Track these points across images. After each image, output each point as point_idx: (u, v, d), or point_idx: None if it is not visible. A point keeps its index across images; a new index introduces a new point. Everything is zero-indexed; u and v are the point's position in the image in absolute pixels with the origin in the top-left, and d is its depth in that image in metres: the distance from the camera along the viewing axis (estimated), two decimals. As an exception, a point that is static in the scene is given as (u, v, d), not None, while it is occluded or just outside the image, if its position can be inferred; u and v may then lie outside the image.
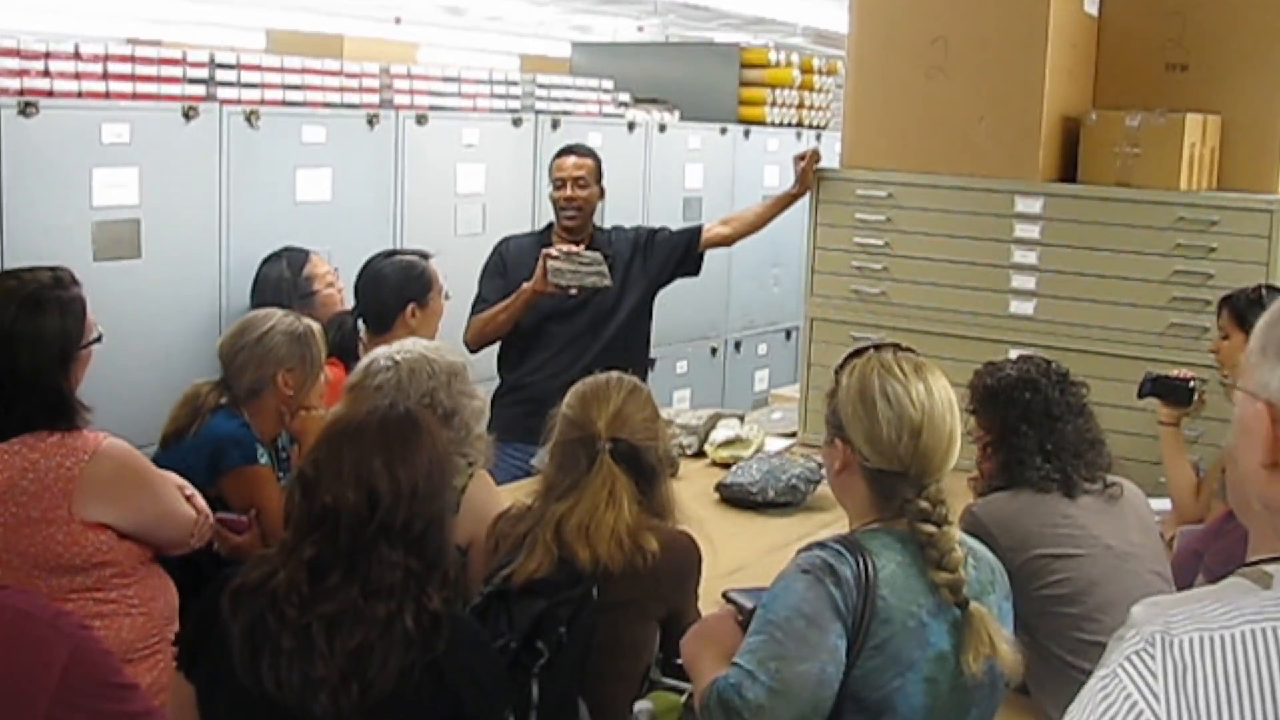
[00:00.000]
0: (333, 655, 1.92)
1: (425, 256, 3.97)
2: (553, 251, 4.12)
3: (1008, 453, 2.78)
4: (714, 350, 6.57)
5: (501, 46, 11.30)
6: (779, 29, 10.05)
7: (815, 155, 4.54)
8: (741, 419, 4.47)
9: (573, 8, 9.96)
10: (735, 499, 3.77)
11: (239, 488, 3.04)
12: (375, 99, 4.78)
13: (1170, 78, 4.22)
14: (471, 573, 2.57)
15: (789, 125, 6.76)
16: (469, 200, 5.12)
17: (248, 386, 3.12)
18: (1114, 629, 1.12)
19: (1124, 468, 2.98)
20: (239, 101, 4.29)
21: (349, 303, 4.07)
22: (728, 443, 4.21)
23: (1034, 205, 4.13)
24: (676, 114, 6.33)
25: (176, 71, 4.16)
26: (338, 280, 4.21)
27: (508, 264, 4.35)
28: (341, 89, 4.67)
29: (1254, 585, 1.50)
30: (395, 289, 3.84)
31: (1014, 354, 3.48)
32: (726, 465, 4.04)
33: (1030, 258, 4.15)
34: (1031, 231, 4.14)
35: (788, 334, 6.90)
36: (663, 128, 6.06)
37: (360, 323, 3.89)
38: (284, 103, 4.45)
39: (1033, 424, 2.77)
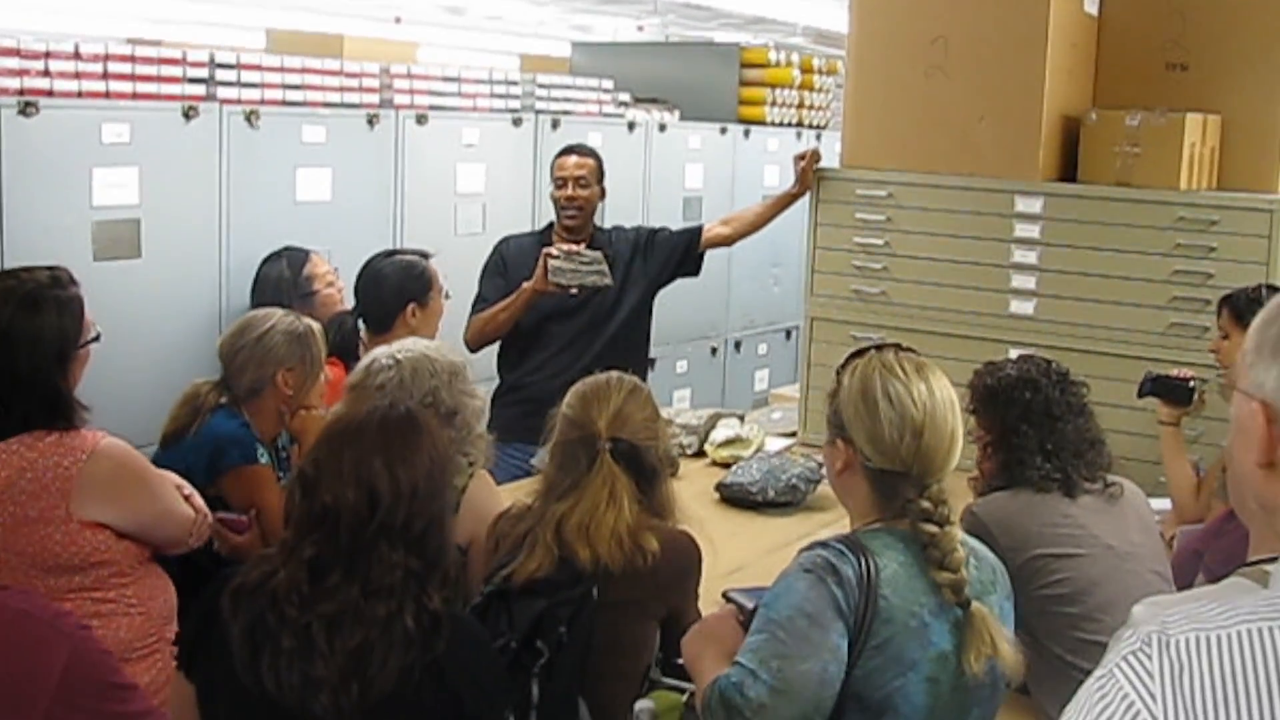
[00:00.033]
0: (333, 655, 1.92)
1: (425, 256, 3.97)
2: (553, 251, 4.12)
3: (1008, 452, 2.78)
4: (714, 350, 6.57)
5: (501, 46, 11.30)
6: (779, 29, 10.05)
7: (815, 155, 4.54)
8: (741, 419, 4.47)
9: (573, 7, 9.95)
10: (735, 499, 3.77)
11: (239, 487, 3.04)
12: (375, 99, 4.78)
13: (1170, 77, 4.22)
14: (472, 572, 2.57)
15: (789, 125, 6.76)
16: (469, 200, 5.12)
17: (247, 386, 3.12)
18: (1114, 629, 1.12)
19: (1124, 467, 2.98)
20: (239, 101, 4.29)
21: (349, 302, 4.07)
22: (728, 442, 4.21)
23: (1034, 205, 4.13)
24: (676, 114, 6.33)
25: (176, 71, 4.16)
26: (338, 280, 4.21)
27: (508, 263, 4.35)
28: (341, 89, 4.67)
29: (1255, 585, 1.50)
30: (395, 289, 3.84)
31: (1014, 354, 3.48)
32: (726, 465, 4.04)
33: (1030, 257, 4.15)
34: (1031, 231, 4.14)
35: (788, 334, 6.90)
36: (663, 127, 6.06)
37: (360, 322, 3.89)
38: (284, 102, 4.45)
39: (1033, 424, 2.77)
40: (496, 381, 4.43)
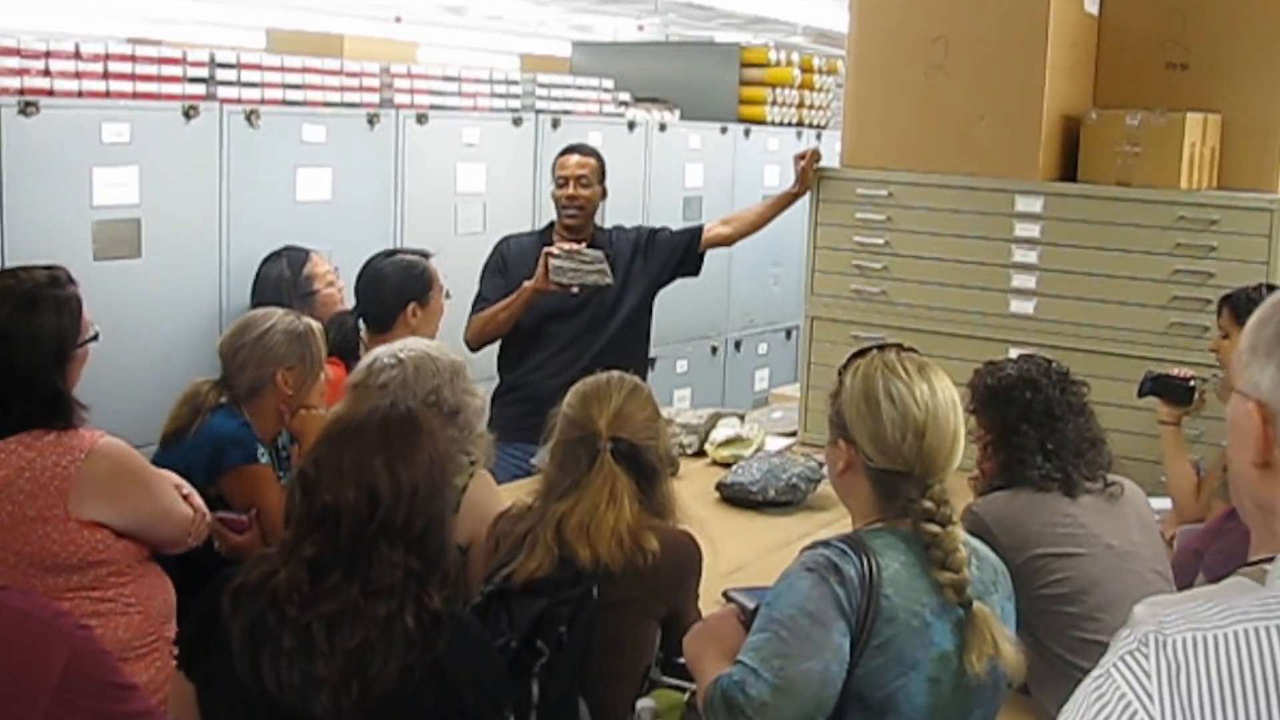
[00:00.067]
0: (333, 654, 1.92)
1: (426, 256, 3.97)
2: (554, 250, 4.12)
3: (1008, 452, 2.78)
4: (714, 349, 6.57)
5: (502, 46, 11.30)
6: (779, 28, 10.05)
7: (815, 155, 4.54)
8: (742, 418, 4.47)
9: (573, 7, 9.96)
10: (736, 498, 3.77)
11: (239, 487, 3.04)
12: (375, 98, 4.78)
13: (1170, 77, 4.22)
14: (472, 572, 2.57)
15: (789, 125, 6.76)
16: (469, 199, 5.12)
17: (247, 385, 3.12)
18: (1114, 628, 1.12)
19: (1124, 467, 2.98)
20: (239, 101, 4.29)
21: (349, 302, 4.07)
22: (728, 442, 4.21)
23: (1034, 204, 4.13)
24: (677, 113, 6.33)
25: (177, 71, 4.16)
26: (338, 279, 4.21)
27: (508, 263, 4.35)
28: (342, 88, 4.67)
29: (1255, 585, 1.50)
30: (396, 288, 3.84)
31: (1014, 353, 3.48)
32: (727, 464, 4.03)
33: (1031, 257, 4.15)
34: (1032, 231, 4.14)
35: (788, 333, 6.90)
36: (663, 127, 6.06)
37: (360, 322, 3.89)
38: (284, 102, 4.45)
39: (1033, 423, 2.77)
40: (496, 381, 4.43)
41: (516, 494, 2.71)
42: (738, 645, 1.99)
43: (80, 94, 3.88)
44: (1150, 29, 4.25)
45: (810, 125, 6.90)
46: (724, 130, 6.39)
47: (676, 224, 4.92)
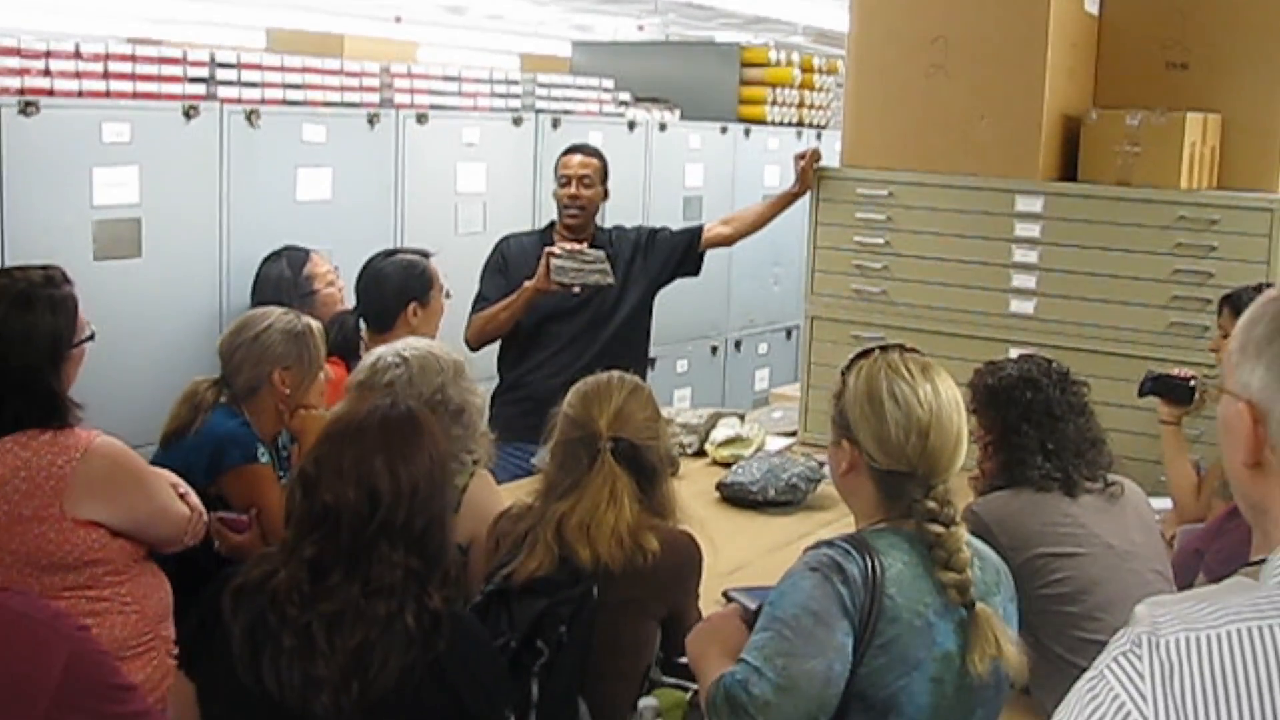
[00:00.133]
0: (333, 654, 1.92)
1: (426, 255, 3.97)
2: (556, 250, 4.12)
3: (1009, 452, 2.78)
4: (714, 349, 6.57)
5: (502, 46, 11.31)
6: (779, 28, 10.06)
7: (815, 154, 4.54)
8: (742, 418, 4.47)
9: (573, 7, 9.96)
10: (736, 498, 3.77)
11: (239, 487, 3.04)
12: (375, 98, 4.78)
13: (1170, 76, 4.22)
14: (472, 572, 2.57)
15: (789, 124, 6.76)
16: (469, 199, 5.12)
17: (244, 384, 3.12)
18: (1115, 628, 1.13)
19: (1125, 467, 2.98)
20: (239, 101, 4.29)
21: (350, 302, 4.07)
22: (728, 442, 4.21)
23: (1034, 204, 4.13)
24: (677, 113, 6.33)
25: (177, 71, 4.16)
26: (338, 279, 4.21)
27: (509, 262, 4.35)
28: (342, 88, 4.67)
29: (1256, 585, 1.50)
30: (396, 288, 3.84)
31: (1014, 353, 3.48)
32: (727, 464, 4.03)
33: (1031, 257, 4.15)
34: (1032, 230, 4.14)
35: (788, 333, 6.90)
36: (663, 127, 6.06)
37: (361, 322, 3.89)
38: (284, 102, 4.45)
39: (1034, 423, 2.77)
40: (496, 380, 4.43)
41: (516, 494, 2.71)
42: (740, 644, 1.99)
43: (80, 94, 3.88)
44: (1150, 29, 4.25)
45: (810, 125, 6.90)
46: (724, 130, 6.39)
47: (676, 224, 4.92)
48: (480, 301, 4.33)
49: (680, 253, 4.53)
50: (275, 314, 3.21)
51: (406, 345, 2.87)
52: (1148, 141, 3.98)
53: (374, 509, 1.97)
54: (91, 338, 2.68)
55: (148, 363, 3.98)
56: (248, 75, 4.36)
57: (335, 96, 4.64)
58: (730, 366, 6.70)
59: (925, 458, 2.00)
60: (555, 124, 5.43)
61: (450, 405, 2.76)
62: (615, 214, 4.74)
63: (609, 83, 5.92)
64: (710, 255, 4.69)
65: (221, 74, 4.28)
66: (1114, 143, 4.04)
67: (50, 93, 3.80)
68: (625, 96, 6.06)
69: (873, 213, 4.39)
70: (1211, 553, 2.72)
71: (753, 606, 2.13)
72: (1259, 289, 3.36)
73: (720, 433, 4.26)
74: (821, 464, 3.71)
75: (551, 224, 4.46)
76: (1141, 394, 3.50)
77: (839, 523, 3.36)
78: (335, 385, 3.31)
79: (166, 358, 4.00)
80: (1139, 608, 1.15)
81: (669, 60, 7.24)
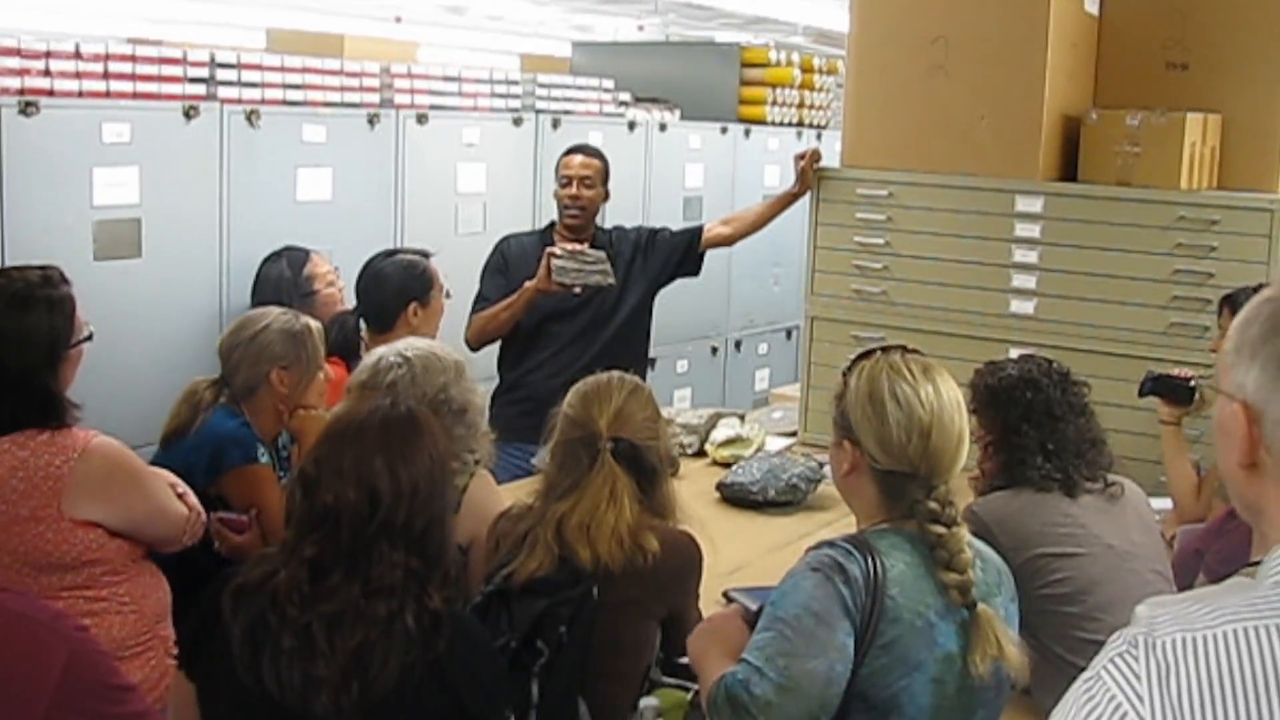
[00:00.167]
0: (334, 654, 1.92)
1: (426, 255, 3.97)
2: (557, 250, 4.12)
3: (1009, 452, 2.78)
4: (714, 349, 6.57)
5: (502, 46, 11.31)
6: (779, 28, 10.06)
7: (816, 155, 4.54)
8: (742, 418, 4.47)
9: (573, 7, 9.96)
10: (736, 498, 3.77)
11: (239, 487, 3.04)
12: (376, 98, 4.78)
13: (1171, 77, 4.22)
14: (472, 572, 2.57)
15: (789, 125, 6.76)
16: (470, 199, 5.12)
17: (243, 384, 3.12)
18: (1115, 628, 1.13)
19: (1125, 467, 2.98)
20: (239, 101, 4.29)
21: (350, 302, 4.07)
22: (728, 442, 4.21)
23: (1034, 204, 4.13)
24: (677, 113, 6.33)
25: (177, 71, 4.16)
26: (338, 280, 4.21)
27: (509, 262, 4.35)
28: (342, 88, 4.67)
29: (1253, 585, 1.50)
30: (397, 288, 3.84)
31: (1015, 353, 3.48)
32: (727, 464, 4.03)
33: (1031, 257, 4.15)
34: (1032, 231, 4.14)
35: (788, 333, 6.90)
36: (663, 127, 6.06)
37: (361, 322, 3.89)
38: (284, 102, 4.45)
39: (1034, 424, 2.77)
40: (496, 381, 4.43)
41: (516, 494, 2.71)
42: (742, 645, 1.99)
43: (80, 94, 3.88)
44: (1150, 29, 4.25)
45: (810, 125, 6.90)
46: (724, 130, 6.39)
47: (677, 224, 4.93)
48: (480, 302, 4.33)
49: (680, 253, 4.54)
50: (274, 314, 3.21)
51: (408, 345, 2.86)
52: (1148, 142, 3.98)
53: (374, 509, 1.97)
54: (89, 338, 2.68)
55: (148, 363, 3.98)
56: (248, 75, 4.36)
57: (335, 97, 4.64)
58: (730, 367, 6.70)
59: (927, 458, 2.00)
60: (555, 124, 5.43)
61: (453, 405, 2.76)
62: (615, 214, 4.74)
63: (609, 83, 5.92)
64: (710, 255, 4.69)
65: (221, 74, 4.28)
66: (1114, 143, 4.04)
67: (50, 93, 3.80)
68: (625, 97, 6.06)
69: (872, 213, 4.39)
70: (1212, 553, 2.72)
71: (754, 607, 2.13)
72: (1259, 289, 3.35)
73: (720, 433, 4.26)
74: (821, 464, 3.71)
75: (552, 224, 4.46)
76: (1141, 394, 3.50)
77: (839, 523, 3.36)
78: (336, 385, 3.31)
79: (166, 358, 4.00)
80: (1139, 608, 1.15)
81: (669, 60, 7.24)
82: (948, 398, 2.03)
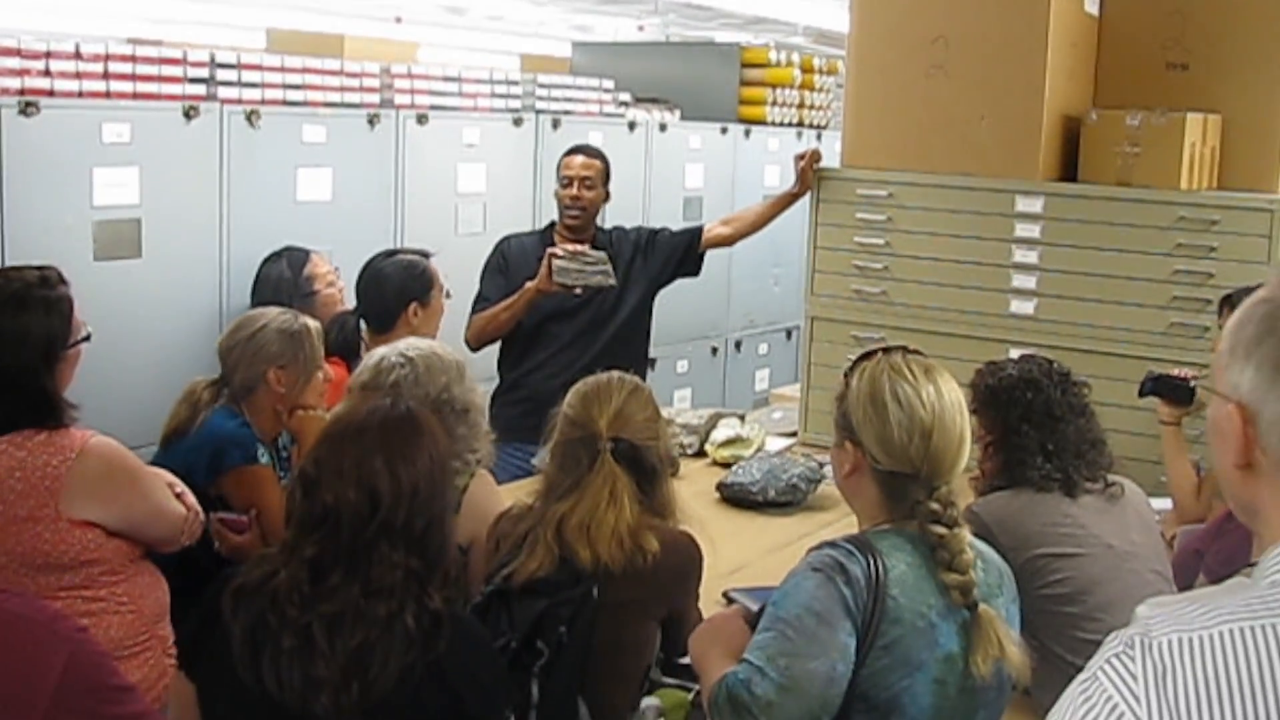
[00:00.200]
0: (334, 655, 1.92)
1: (426, 255, 3.97)
2: (558, 251, 4.12)
3: (1009, 452, 2.78)
4: (715, 350, 6.57)
5: (502, 46, 11.31)
6: (779, 28, 10.06)
7: (816, 155, 4.54)
8: (742, 418, 4.47)
9: (573, 7, 9.96)
10: (736, 498, 3.77)
11: (239, 487, 3.04)
12: (376, 99, 4.78)
13: (1171, 77, 4.22)
14: (472, 572, 2.57)
15: (790, 125, 6.76)
16: (470, 200, 5.12)
17: (241, 384, 3.12)
18: (1115, 628, 1.13)
19: (1125, 467, 2.98)
20: (240, 101, 4.29)
21: (350, 302, 4.07)
22: (728, 442, 4.21)
23: (1034, 205, 4.13)
24: (677, 114, 6.33)
25: (177, 71, 4.16)
26: (338, 280, 4.21)
27: (509, 262, 4.35)
28: (342, 89, 4.67)
29: (1250, 585, 1.50)
30: (397, 288, 3.84)
31: (1014, 353, 3.48)
32: (727, 465, 4.03)
33: (1031, 257, 4.15)
34: (1032, 231, 4.14)
35: (788, 333, 6.90)
36: (663, 127, 6.06)
37: (362, 322, 3.89)
38: (284, 102, 4.45)
39: (1034, 424, 2.77)
40: (496, 381, 4.43)
41: (517, 494, 2.71)
42: (743, 645, 1.99)
43: (80, 94, 3.88)
44: (1150, 29, 4.25)
45: (810, 125, 6.90)
46: (724, 130, 6.39)
47: (677, 224, 4.93)
48: (481, 302, 4.33)
49: (680, 253, 4.54)
50: (272, 314, 3.21)
51: (409, 345, 2.86)
52: (1148, 142, 3.98)
53: (374, 509, 1.97)
54: (87, 339, 2.68)
55: (148, 363, 3.98)
56: (248, 75, 4.36)
57: (335, 97, 4.64)
58: (730, 367, 6.70)
59: (928, 459, 2.00)
60: (555, 124, 5.43)
61: (456, 405, 2.76)
62: (615, 214, 4.74)
63: (609, 83, 5.92)
64: (710, 256, 4.69)
65: (221, 74, 4.28)
66: (1114, 143, 4.04)
67: (50, 93, 3.80)
68: (625, 97, 6.06)
69: (872, 213, 4.39)
70: (1212, 553, 2.72)
71: (754, 607, 2.13)
72: (1258, 289, 3.36)
73: (720, 433, 4.26)
74: (822, 464, 3.71)
75: (552, 224, 4.46)
76: (1142, 394, 3.50)
77: (839, 523, 3.36)
78: (336, 386, 3.31)
79: (166, 358, 4.00)
80: (1140, 608, 1.15)
81: (669, 61, 7.24)
82: (949, 398, 2.03)
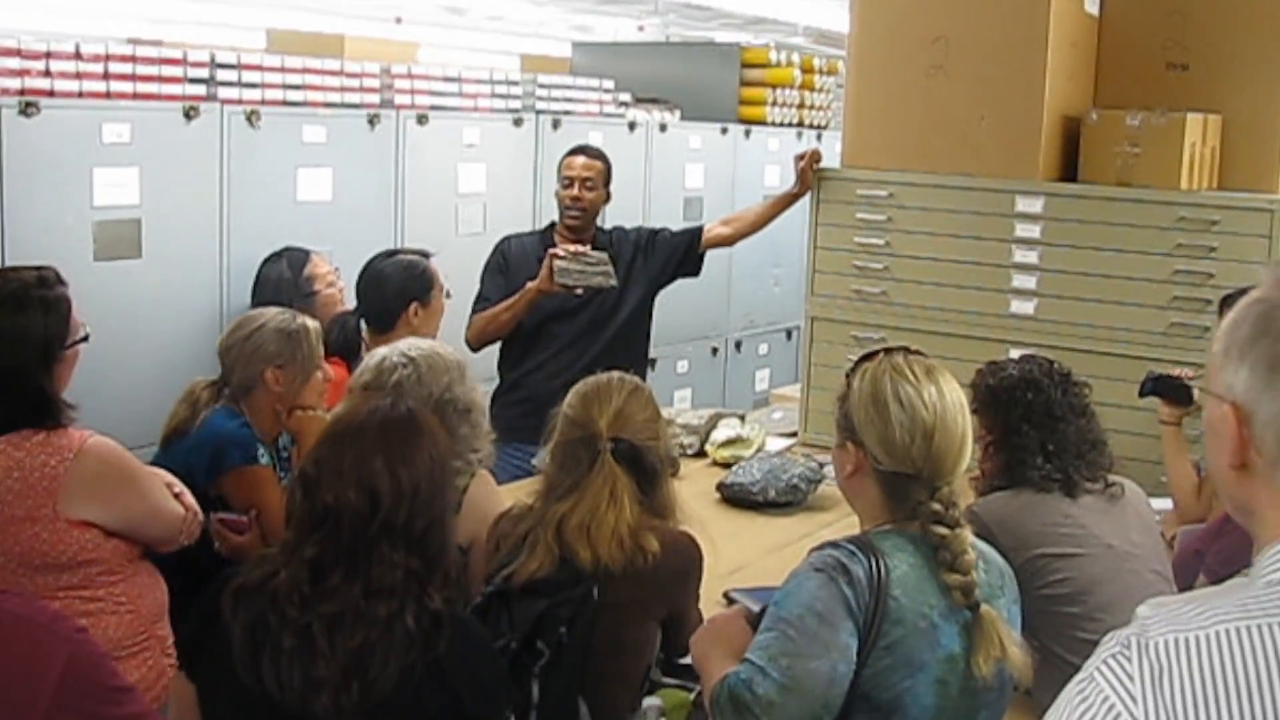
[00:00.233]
0: (334, 655, 1.92)
1: (426, 255, 3.97)
2: (559, 251, 4.12)
3: (1009, 453, 2.78)
4: (715, 350, 6.57)
5: (502, 46, 11.31)
6: (780, 29, 10.06)
7: (816, 155, 4.54)
8: (742, 419, 4.47)
9: (573, 7, 9.97)
10: (736, 499, 3.77)
11: (240, 488, 3.04)
12: (376, 99, 4.78)
13: (1171, 77, 4.22)
14: (473, 572, 2.57)
15: (790, 125, 6.76)
16: (470, 200, 5.12)
17: (239, 383, 3.12)
18: (1115, 628, 1.13)
19: (1125, 467, 2.98)
20: (240, 101, 4.29)
21: (350, 302, 4.07)
22: (729, 442, 4.21)
23: (1035, 205, 4.13)
24: (677, 114, 6.33)
25: (177, 71, 4.16)
26: (338, 280, 4.21)
27: (510, 263, 4.35)
28: (342, 89, 4.67)
29: (1247, 585, 1.50)
30: (397, 288, 3.84)
31: (1015, 354, 3.48)
32: (727, 465, 4.03)
33: (1031, 257, 4.15)
34: (1032, 231, 4.14)
35: (788, 334, 6.90)
36: (663, 127, 6.06)
37: (362, 322, 3.89)
38: (285, 102, 4.45)
39: (1034, 424, 2.77)
40: (496, 381, 4.43)
41: (517, 494, 2.71)
42: (744, 645, 1.99)
43: (81, 94, 3.88)
44: (1150, 29, 4.25)
45: (810, 126, 6.90)
46: (724, 131, 6.39)
47: (677, 224, 4.93)
48: (481, 302, 4.33)
49: (680, 253, 4.54)
50: (270, 313, 3.21)
51: (411, 345, 2.86)
52: (1148, 142, 3.98)
53: (374, 510, 1.97)
54: (85, 339, 2.68)
55: (148, 363, 3.98)
56: (248, 76, 4.36)
57: (335, 97, 4.64)
58: (730, 367, 6.70)
59: (930, 460, 2.00)
60: (555, 125, 5.43)
61: (458, 404, 2.76)
62: (615, 215, 4.74)
63: (609, 83, 5.92)
64: (710, 256, 4.69)
65: (222, 74, 4.28)
66: (1114, 143, 4.04)
67: (50, 93, 3.80)
68: (625, 97, 6.06)
69: (872, 213, 4.39)
70: (1212, 554, 2.72)
71: (755, 608, 2.13)
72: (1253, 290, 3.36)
73: (720, 433, 4.26)
74: (822, 465, 3.71)
75: (552, 224, 4.46)
76: (1142, 394, 3.50)
77: (839, 523, 3.36)
78: (336, 386, 3.31)
79: (166, 358, 4.00)
80: (1140, 608, 1.15)
81: (669, 61, 7.24)
82: (951, 399, 2.03)
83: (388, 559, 1.96)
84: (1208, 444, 1.23)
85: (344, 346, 3.78)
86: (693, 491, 3.54)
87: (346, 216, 4.60)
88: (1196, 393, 3.43)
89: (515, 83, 5.40)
